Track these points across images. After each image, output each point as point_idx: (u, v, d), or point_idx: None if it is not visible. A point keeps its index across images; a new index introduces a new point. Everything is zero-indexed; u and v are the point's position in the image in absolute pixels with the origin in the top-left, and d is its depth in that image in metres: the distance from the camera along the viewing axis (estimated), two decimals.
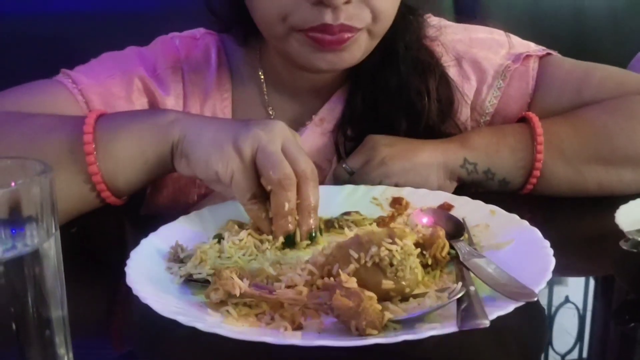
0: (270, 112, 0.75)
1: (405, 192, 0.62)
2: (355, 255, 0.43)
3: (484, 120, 0.75)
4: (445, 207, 0.59)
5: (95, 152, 0.56)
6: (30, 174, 0.33)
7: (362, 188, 0.63)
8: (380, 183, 0.64)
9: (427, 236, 0.48)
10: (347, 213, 0.59)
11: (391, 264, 0.43)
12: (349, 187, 0.64)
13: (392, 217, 0.59)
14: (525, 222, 0.52)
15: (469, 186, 0.67)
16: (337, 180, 0.68)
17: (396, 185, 0.64)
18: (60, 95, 0.68)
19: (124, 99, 0.70)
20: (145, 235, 0.52)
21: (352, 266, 0.43)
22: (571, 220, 0.63)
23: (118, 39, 1.09)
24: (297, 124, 0.73)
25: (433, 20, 0.76)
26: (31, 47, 1.10)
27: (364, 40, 0.64)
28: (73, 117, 0.61)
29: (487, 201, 0.58)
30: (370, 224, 0.57)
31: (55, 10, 1.15)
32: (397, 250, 0.43)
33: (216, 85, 0.74)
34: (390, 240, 0.43)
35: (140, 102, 0.71)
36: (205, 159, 0.54)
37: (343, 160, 0.69)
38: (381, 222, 0.58)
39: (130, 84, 0.71)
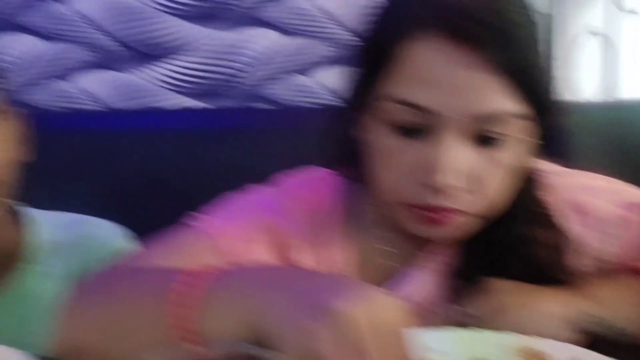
0: (390, 249, 0.75)
1: (543, 345, 0.60)
2: None
3: (602, 267, 0.74)
4: None
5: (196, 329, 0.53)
6: None
7: (495, 335, 0.62)
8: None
9: None
10: None
11: None
12: (479, 332, 0.63)
13: None
14: None
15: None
16: (454, 325, 0.66)
17: None
18: (203, 252, 0.69)
19: (255, 242, 0.71)
20: None
21: None
22: None
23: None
24: (409, 261, 0.74)
25: (544, 166, 0.76)
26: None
27: (469, 221, 0.66)
28: (176, 288, 0.55)
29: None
30: None
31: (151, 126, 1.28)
32: None
33: (334, 225, 0.76)
34: None
35: (268, 245, 0.72)
36: None
37: (460, 305, 0.69)
38: None
39: (263, 230, 0.72)
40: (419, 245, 0.73)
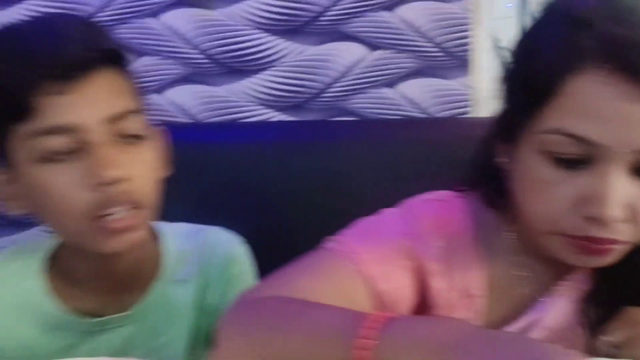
0: (523, 274, 0.75)
1: None
2: None
3: None
4: None
5: None
6: None
7: None
8: None
9: None
10: None
11: None
12: None
13: None
14: None
15: None
16: (596, 355, 0.68)
17: None
18: (346, 275, 0.69)
19: (397, 267, 0.72)
20: None
21: None
22: None
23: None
24: (546, 288, 0.74)
25: None
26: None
27: (625, 249, 0.66)
28: (351, 326, 0.55)
29: None
30: None
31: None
32: None
33: (466, 250, 0.75)
34: None
35: (407, 270, 0.72)
36: None
37: (600, 334, 0.70)
38: None
39: (402, 255, 0.72)
40: (556, 272, 0.73)
